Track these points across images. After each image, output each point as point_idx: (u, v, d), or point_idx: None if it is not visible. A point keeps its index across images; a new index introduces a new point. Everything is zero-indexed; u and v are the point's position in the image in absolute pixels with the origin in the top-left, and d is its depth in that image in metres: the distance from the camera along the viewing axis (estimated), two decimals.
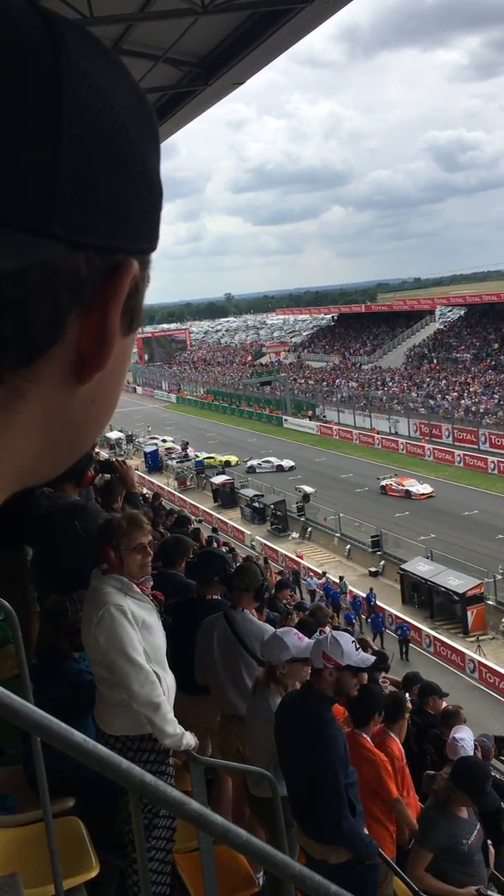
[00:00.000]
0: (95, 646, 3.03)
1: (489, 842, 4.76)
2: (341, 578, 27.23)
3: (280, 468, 44.55)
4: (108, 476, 5.78)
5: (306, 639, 3.76)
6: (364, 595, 25.43)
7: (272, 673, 3.76)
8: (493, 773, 4.96)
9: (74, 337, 0.40)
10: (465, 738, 4.78)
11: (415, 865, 4.10)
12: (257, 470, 44.49)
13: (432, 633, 23.68)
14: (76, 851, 3.04)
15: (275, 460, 45.57)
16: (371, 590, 25.74)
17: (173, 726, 3.01)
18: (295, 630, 3.96)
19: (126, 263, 0.41)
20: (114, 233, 0.40)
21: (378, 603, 25.11)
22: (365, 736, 4.39)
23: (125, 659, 2.94)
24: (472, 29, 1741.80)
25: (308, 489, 37.62)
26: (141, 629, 3.03)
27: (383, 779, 4.30)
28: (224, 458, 48.34)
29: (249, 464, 45.57)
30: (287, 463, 45.01)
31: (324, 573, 28.10)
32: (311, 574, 28.16)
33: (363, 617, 24.79)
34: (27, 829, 3.09)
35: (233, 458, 48.46)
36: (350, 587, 26.74)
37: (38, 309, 0.37)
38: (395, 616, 24.63)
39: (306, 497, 36.85)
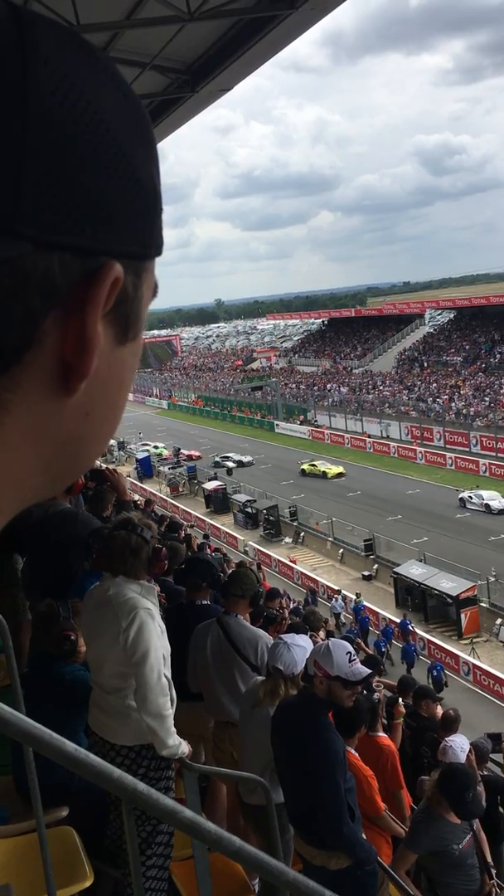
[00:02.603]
0: (119, 651, 2.94)
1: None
2: (358, 595, 25.64)
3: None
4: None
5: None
6: (398, 621, 23.74)
7: (292, 682, 3.66)
8: (478, 782, 4.93)
9: (55, 343, 0.38)
10: (456, 741, 4.78)
11: (398, 865, 4.09)
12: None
13: (426, 636, 23.66)
14: (70, 861, 3.01)
15: (480, 497, 34.34)
16: (405, 615, 24.20)
17: (174, 737, 2.98)
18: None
19: (105, 267, 0.39)
20: (92, 233, 0.38)
21: (414, 629, 23.41)
22: (350, 749, 4.20)
23: (149, 667, 2.89)
24: (456, 33, 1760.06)
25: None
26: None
27: (368, 794, 4.19)
28: (335, 469, 42.86)
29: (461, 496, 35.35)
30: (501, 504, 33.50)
31: (339, 590, 26.51)
32: (334, 594, 26.29)
33: (395, 643, 22.99)
34: (20, 839, 3.06)
35: (333, 470, 42.73)
36: (365, 604, 25.26)
37: (5, 312, 0.36)
38: (428, 641, 23.28)
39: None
